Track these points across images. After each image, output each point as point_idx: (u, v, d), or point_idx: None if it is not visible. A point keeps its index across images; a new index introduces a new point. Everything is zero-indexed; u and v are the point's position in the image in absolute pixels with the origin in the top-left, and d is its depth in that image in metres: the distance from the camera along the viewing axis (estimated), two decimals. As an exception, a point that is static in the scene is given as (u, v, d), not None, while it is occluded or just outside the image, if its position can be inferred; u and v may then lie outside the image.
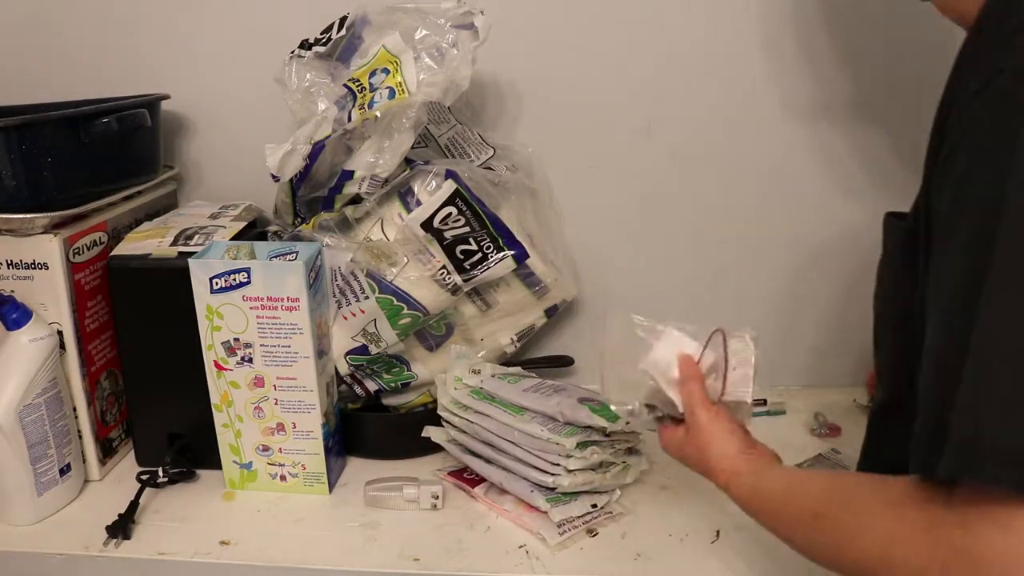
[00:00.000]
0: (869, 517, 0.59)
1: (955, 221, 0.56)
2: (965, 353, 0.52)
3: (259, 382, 0.98)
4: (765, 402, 1.16)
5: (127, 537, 0.94)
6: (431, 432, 1.04)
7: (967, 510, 0.51)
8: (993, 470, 0.49)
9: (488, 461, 0.98)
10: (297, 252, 0.95)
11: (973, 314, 0.52)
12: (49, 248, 0.97)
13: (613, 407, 0.89)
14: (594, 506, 0.94)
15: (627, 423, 0.93)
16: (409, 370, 1.10)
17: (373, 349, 1.05)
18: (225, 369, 0.98)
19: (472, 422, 0.98)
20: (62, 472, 0.99)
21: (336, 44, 1.06)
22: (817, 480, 0.71)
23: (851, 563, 0.61)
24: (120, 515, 0.95)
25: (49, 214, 0.96)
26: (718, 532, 0.92)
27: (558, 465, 0.92)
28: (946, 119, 0.60)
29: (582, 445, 0.92)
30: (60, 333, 0.99)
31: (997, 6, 0.59)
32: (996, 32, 0.57)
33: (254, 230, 1.11)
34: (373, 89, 1.00)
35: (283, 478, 1.02)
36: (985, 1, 0.60)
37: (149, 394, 1.05)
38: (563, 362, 1.22)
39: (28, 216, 0.95)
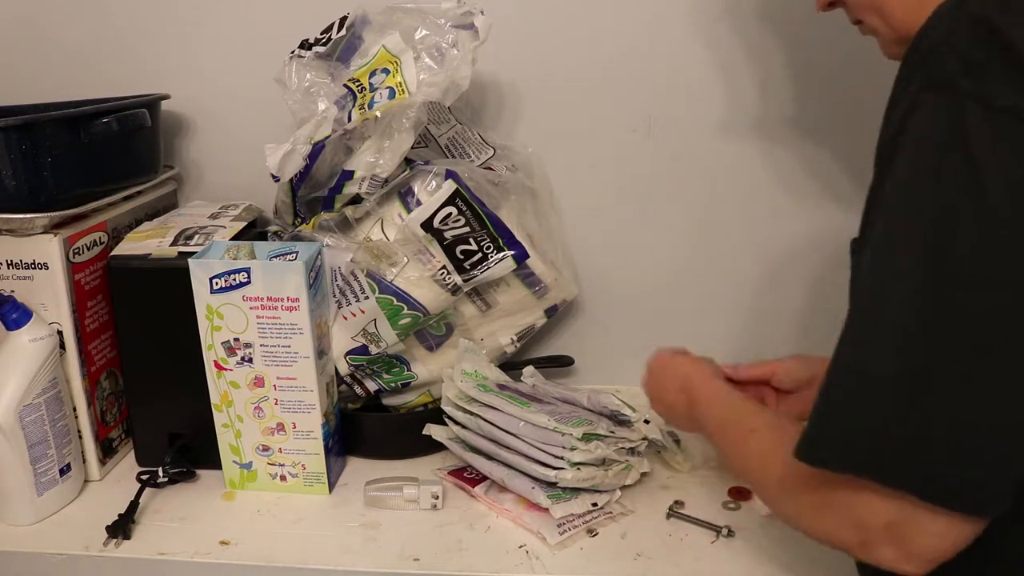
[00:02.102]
0: (783, 449, 0.68)
1: (864, 232, 0.66)
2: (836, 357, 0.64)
3: (259, 382, 0.98)
4: None
5: (127, 537, 0.94)
6: (432, 430, 1.04)
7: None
8: (822, 456, 0.63)
9: (490, 457, 0.98)
10: (297, 252, 0.95)
11: (852, 320, 0.63)
12: (49, 248, 0.97)
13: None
14: (594, 505, 0.94)
15: (646, 421, 0.98)
16: (409, 370, 1.10)
17: (373, 349, 1.05)
18: (225, 369, 0.98)
19: (477, 415, 0.98)
20: (62, 472, 0.99)
21: (336, 44, 1.06)
22: (765, 409, 0.85)
23: (759, 473, 0.75)
24: (120, 515, 0.95)
25: (49, 214, 0.96)
26: (718, 532, 0.92)
27: (561, 459, 0.92)
28: (880, 142, 0.67)
29: (587, 437, 0.93)
30: (60, 333, 0.99)
31: (920, 39, 0.64)
32: (915, 69, 0.64)
33: (254, 230, 1.11)
34: (373, 89, 1.00)
35: (283, 478, 1.02)
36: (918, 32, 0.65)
37: (149, 394, 1.05)
38: (563, 362, 1.22)
39: (28, 216, 0.95)
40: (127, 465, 1.09)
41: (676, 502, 0.96)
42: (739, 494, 0.98)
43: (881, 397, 0.60)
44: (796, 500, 0.69)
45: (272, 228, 1.11)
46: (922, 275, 0.59)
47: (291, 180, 1.06)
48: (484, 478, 1.00)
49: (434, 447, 1.06)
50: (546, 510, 0.92)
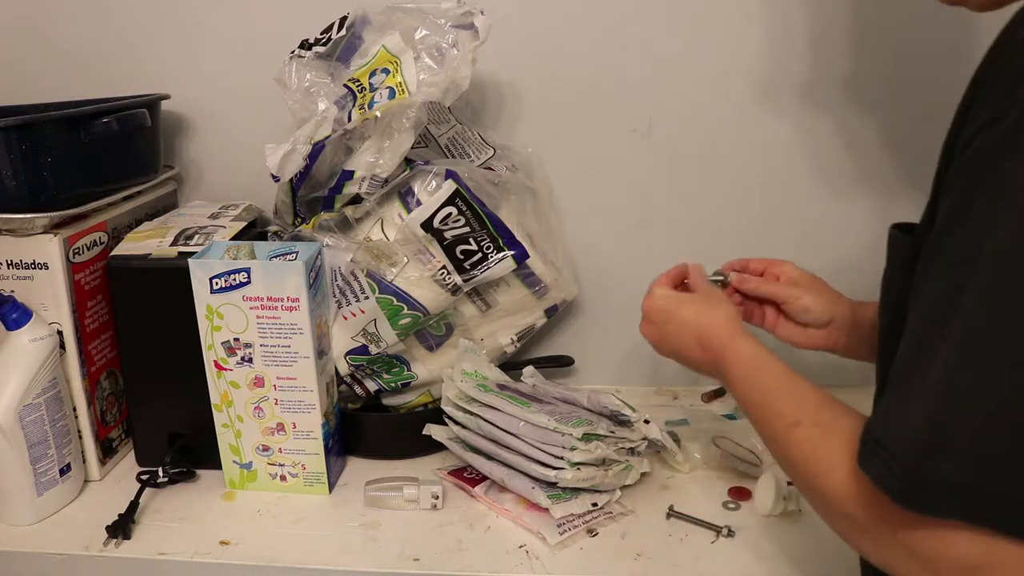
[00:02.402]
0: (837, 456, 0.62)
1: (942, 243, 0.58)
2: (923, 380, 0.55)
3: (259, 382, 0.98)
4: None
5: (127, 537, 0.94)
6: (432, 430, 1.04)
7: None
8: (931, 505, 0.54)
9: (490, 457, 0.98)
10: (297, 252, 0.95)
11: (934, 344, 0.55)
12: (49, 248, 0.97)
13: None
14: (594, 505, 0.94)
15: (646, 421, 0.97)
16: (409, 370, 1.10)
17: (373, 349, 1.05)
18: (225, 369, 0.98)
19: (477, 415, 0.98)
20: (62, 472, 0.99)
21: (336, 44, 1.06)
22: (814, 391, 0.71)
23: (805, 476, 0.66)
24: (120, 515, 0.95)
25: (49, 214, 0.96)
26: (718, 532, 0.92)
27: (561, 459, 0.92)
28: (954, 145, 0.60)
29: (587, 437, 0.93)
30: (60, 333, 0.99)
31: (1014, 33, 0.57)
32: (1006, 68, 0.56)
33: (254, 230, 1.11)
34: (373, 89, 1.00)
35: (283, 478, 1.02)
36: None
37: (149, 394, 1.05)
38: (563, 362, 1.22)
39: (28, 216, 0.95)
40: (127, 465, 1.09)
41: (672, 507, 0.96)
42: (739, 494, 0.99)
43: (1008, 436, 0.52)
44: (851, 524, 0.62)
45: (272, 228, 1.11)
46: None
47: (291, 180, 1.06)
48: (484, 478, 1.00)
49: (434, 447, 1.06)
50: (546, 510, 0.92)
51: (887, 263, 0.74)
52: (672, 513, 0.95)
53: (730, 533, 0.91)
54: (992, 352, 0.53)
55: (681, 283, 0.94)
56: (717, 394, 1.16)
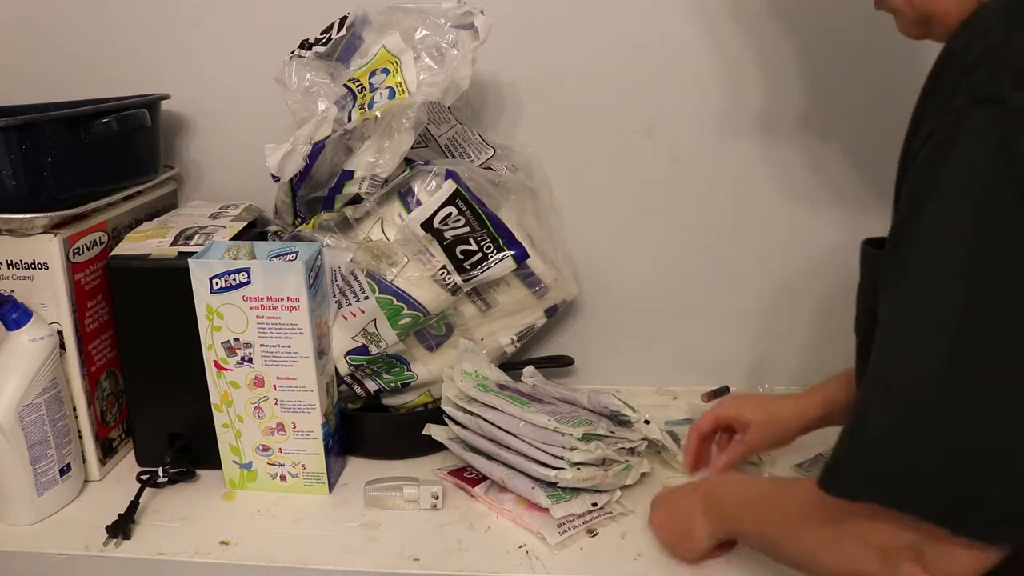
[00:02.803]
0: (794, 529, 0.71)
1: (889, 263, 0.62)
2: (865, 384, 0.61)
3: (259, 382, 0.98)
4: None
5: (127, 537, 0.94)
6: (432, 430, 1.04)
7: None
8: (841, 488, 0.62)
9: (490, 457, 0.98)
10: (297, 252, 0.95)
11: (879, 351, 0.61)
12: (49, 248, 0.97)
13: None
14: (594, 505, 0.94)
15: (646, 421, 0.98)
16: (409, 370, 1.10)
17: (373, 349, 1.05)
18: (225, 369, 0.98)
19: (477, 415, 0.98)
20: (62, 472, 0.99)
21: (336, 44, 1.06)
22: (741, 492, 0.83)
23: (777, 551, 0.75)
24: (120, 515, 0.95)
25: (49, 214, 0.96)
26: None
27: (561, 459, 0.92)
28: (906, 160, 0.63)
29: (587, 437, 0.93)
30: (60, 333, 0.99)
31: (960, 37, 0.61)
32: (952, 72, 0.60)
33: (254, 230, 1.11)
34: (373, 89, 1.00)
35: (283, 478, 1.02)
36: (955, 28, 0.62)
37: (149, 394, 1.05)
38: (563, 362, 1.22)
39: (28, 216, 0.95)
40: (127, 465, 1.09)
41: None
42: None
43: (917, 425, 0.58)
44: (813, 535, 0.68)
45: (272, 228, 1.11)
46: (962, 301, 0.57)
47: (291, 180, 1.06)
48: (484, 478, 1.00)
49: (434, 447, 1.06)
50: (546, 510, 0.92)
51: (860, 278, 0.75)
52: None
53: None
54: (907, 345, 0.58)
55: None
56: (717, 394, 1.16)
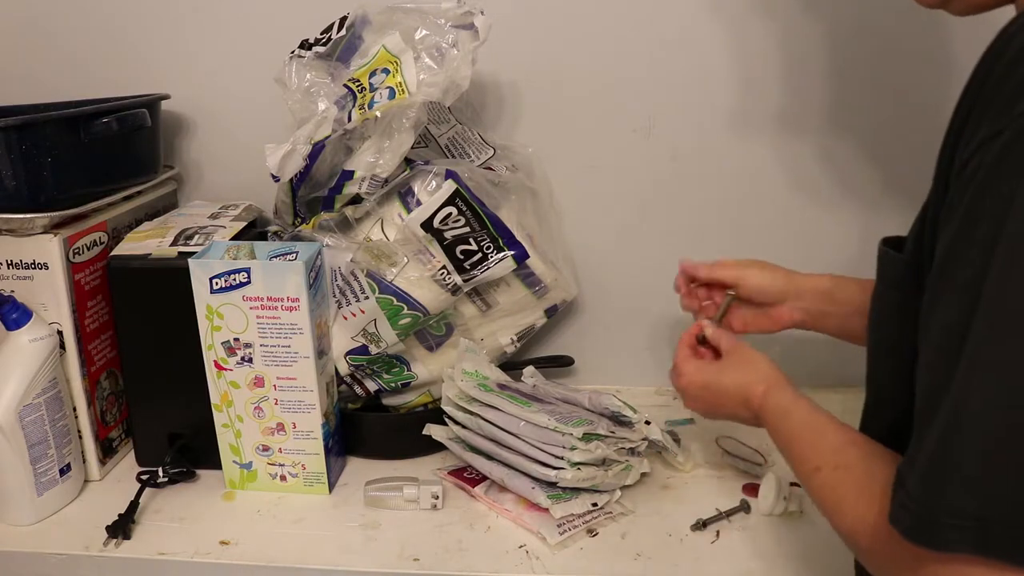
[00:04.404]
0: (849, 497, 0.65)
1: (947, 270, 0.56)
2: (934, 410, 0.55)
3: (259, 382, 0.98)
4: None
5: (127, 537, 0.94)
6: (432, 430, 1.04)
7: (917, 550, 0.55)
8: (940, 538, 0.54)
9: (490, 457, 0.98)
10: (297, 252, 0.95)
11: (949, 375, 0.54)
12: (49, 248, 0.97)
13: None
14: (594, 505, 0.94)
15: (647, 422, 0.98)
16: (409, 370, 1.10)
17: (373, 349, 1.05)
18: (225, 369, 0.98)
19: (477, 414, 0.98)
20: (62, 472, 0.99)
21: (336, 44, 1.06)
22: (834, 434, 0.73)
23: (829, 516, 0.68)
24: (120, 515, 0.95)
25: (49, 214, 0.96)
26: (718, 532, 0.92)
27: (561, 459, 0.92)
28: (950, 162, 0.59)
29: (587, 437, 0.93)
30: (60, 333, 0.99)
31: (1006, 45, 0.56)
32: (1001, 85, 0.55)
33: (254, 230, 1.11)
34: (373, 89, 1.00)
35: (283, 478, 1.02)
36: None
37: (149, 394, 1.05)
38: (563, 362, 1.22)
39: (28, 216, 0.95)
40: (127, 465, 1.09)
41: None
42: (752, 491, 0.98)
43: (1015, 465, 0.51)
44: (873, 561, 0.63)
45: (272, 228, 1.11)
46: None
47: (291, 180, 1.06)
48: (484, 478, 1.00)
49: (434, 447, 1.06)
50: (546, 510, 0.92)
51: (877, 281, 0.72)
52: (699, 525, 0.93)
53: (730, 533, 0.91)
54: (1000, 376, 0.51)
55: (696, 341, 0.95)
56: None
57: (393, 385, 1.10)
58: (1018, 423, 0.51)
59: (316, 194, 1.06)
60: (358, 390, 1.10)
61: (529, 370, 1.10)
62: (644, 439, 0.99)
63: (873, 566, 0.64)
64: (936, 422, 0.54)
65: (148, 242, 1.02)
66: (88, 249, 1.02)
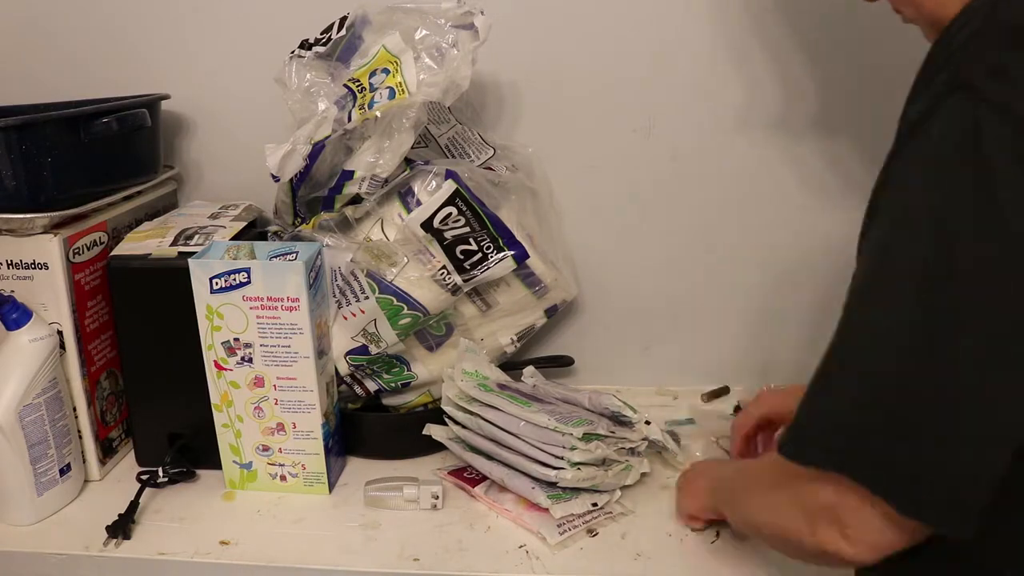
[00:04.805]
0: (749, 492, 0.77)
1: (868, 234, 0.65)
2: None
3: (259, 382, 0.98)
4: None
5: (127, 537, 0.94)
6: (432, 430, 1.04)
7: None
8: (809, 454, 0.65)
9: (490, 457, 0.98)
10: (297, 252, 0.95)
11: (847, 322, 0.64)
12: (49, 248, 0.97)
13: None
14: (594, 505, 0.94)
15: (647, 422, 0.98)
16: (409, 370, 1.10)
17: (373, 349, 1.05)
18: (225, 369, 0.98)
19: (477, 414, 0.98)
20: (62, 472, 0.99)
21: (336, 44, 1.06)
22: (734, 468, 0.88)
23: (758, 531, 0.77)
24: (120, 515, 0.95)
25: (49, 214, 0.96)
26: (718, 532, 0.92)
27: (561, 459, 0.92)
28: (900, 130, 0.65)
29: (587, 437, 0.93)
30: (60, 333, 0.99)
31: (958, 18, 0.63)
32: (941, 54, 0.62)
33: (254, 230, 1.11)
34: (373, 89, 1.00)
35: (283, 478, 1.02)
36: (949, 22, 0.64)
37: (149, 394, 1.05)
38: (563, 362, 1.22)
39: (28, 216, 0.95)
40: (127, 465, 1.09)
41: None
42: None
43: (866, 399, 0.61)
44: (760, 495, 0.74)
45: (272, 228, 1.11)
46: (917, 285, 0.59)
47: (291, 180, 1.06)
48: (484, 478, 1.00)
49: (434, 447, 1.06)
50: (546, 510, 0.92)
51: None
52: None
53: (730, 533, 0.91)
54: (867, 320, 0.62)
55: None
56: (717, 394, 1.16)
57: (393, 385, 1.10)
58: (867, 369, 0.61)
59: (316, 194, 1.06)
60: (358, 390, 1.10)
61: (529, 370, 1.10)
62: (644, 439, 0.99)
63: (752, 508, 0.76)
64: (822, 360, 0.64)
65: (148, 242, 1.02)
66: (88, 249, 1.02)
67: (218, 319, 0.96)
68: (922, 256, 0.58)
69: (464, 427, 1.01)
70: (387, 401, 1.13)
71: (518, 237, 1.06)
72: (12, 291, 0.98)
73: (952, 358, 0.57)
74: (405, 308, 1.03)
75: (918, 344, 0.58)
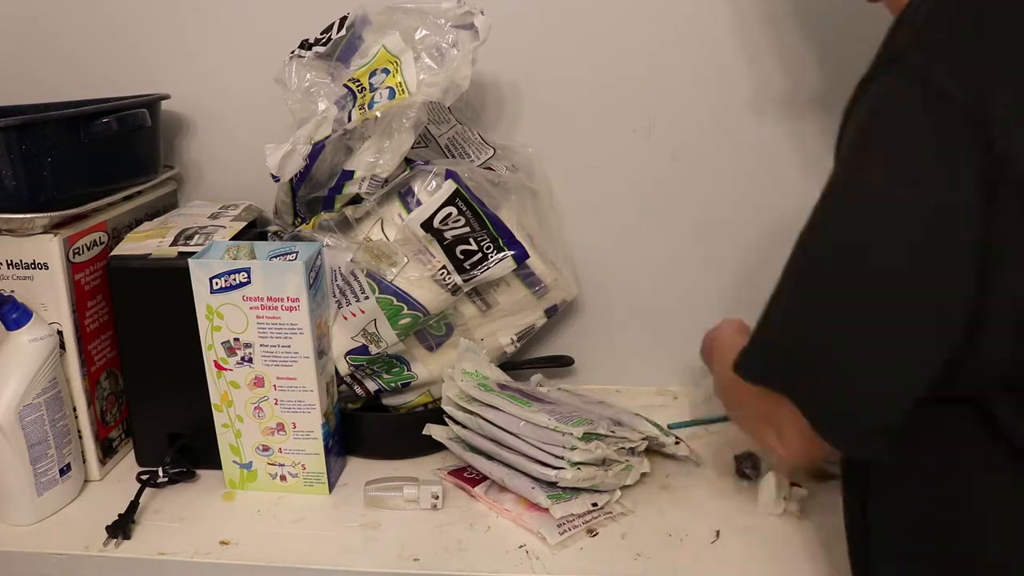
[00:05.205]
0: (727, 392, 0.85)
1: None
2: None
3: (259, 382, 0.98)
4: None
5: (127, 537, 0.94)
6: (432, 430, 1.04)
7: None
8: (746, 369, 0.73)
9: (490, 457, 0.98)
10: (297, 252, 0.95)
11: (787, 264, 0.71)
12: (49, 248, 0.97)
13: None
14: (594, 505, 0.94)
15: (676, 441, 1.02)
16: (409, 370, 1.10)
17: (373, 349, 1.05)
18: (225, 369, 0.98)
19: (477, 414, 0.98)
20: (62, 472, 0.99)
21: (336, 44, 1.06)
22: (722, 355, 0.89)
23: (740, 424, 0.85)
24: (120, 515, 0.95)
25: (49, 214, 0.96)
26: (718, 532, 0.92)
27: (561, 459, 0.92)
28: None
29: (587, 437, 0.93)
30: (60, 333, 0.99)
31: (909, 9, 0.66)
32: (890, 30, 0.67)
33: (254, 230, 1.11)
34: (373, 89, 1.00)
35: (283, 478, 1.02)
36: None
37: (149, 394, 1.05)
38: (563, 362, 1.22)
39: (28, 216, 0.95)
40: (127, 465, 1.09)
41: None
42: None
43: (789, 327, 0.69)
44: (732, 396, 0.84)
45: (272, 228, 1.11)
46: (821, 233, 0.68)
47: (291, 180, 1.06)
48: (484, 478, 1.00)
49: (434, 447, 1.06)
50: (546, 510, 0.92)
51: None
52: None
53: (730, 533, 0.91)
54: (793, 262, 0.69)
55: None
56: None
57: (393, 385, 1.10)
58: (803, 293, 0.68)
59: (316, 194, 1.06)
60: (358, 390, 1.10)
61: (537, 378, 1.11)
62: (644, 438, 0.99)
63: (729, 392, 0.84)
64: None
65: (148, 242, 1.02)
66: (88, 249, 1.02)
67: (218, 319, 0.96)
68: (832, 215, 0.67)
69: (464, 427, 1.01)
70: (387, 401, 1.13)
71: (518, 237, 1.06)
72: (12, 291, 0.98)
73: (848, 308, 0.65)
74: (405, 308, 1.03)
75: (825, 292, 0.66)
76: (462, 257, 1.05)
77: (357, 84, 1.02)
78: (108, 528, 0.94)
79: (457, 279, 1.05)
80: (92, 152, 1.02)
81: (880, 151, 0.63)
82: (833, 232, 0.67)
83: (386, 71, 1.01)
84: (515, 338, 1.14)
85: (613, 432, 0.96)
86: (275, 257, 0.95)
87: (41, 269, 0.97)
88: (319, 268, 0.99)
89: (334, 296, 1.04)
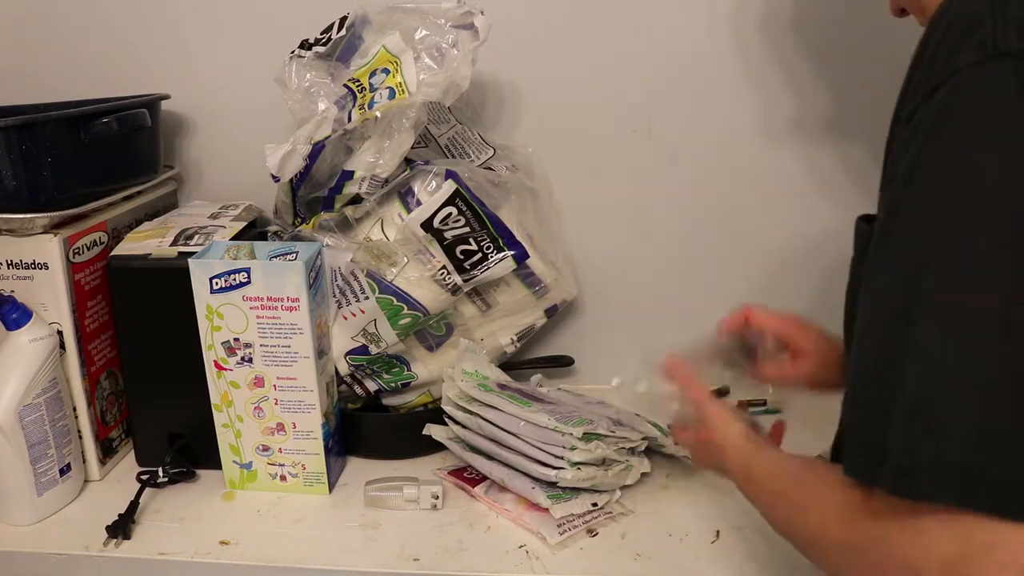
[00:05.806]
0: (811, 500, 0.64)
1: (890, 228, 0.57)
2: (901, 366, 0.54)
3: (259, 382, 0.98)
4: (764, 402, 1.16)
5: (127, 537, 0.94)
6: (432, 430, 1.04)
7: (885, 508, 0.55)
8: (928, 489, 0.52)
9: (490, 457, 0.98)
10: (297, 252, 0.95)
11: (907, 329, 0.54)
12: (49, 248, 0.97)
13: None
14: (594, 505, 0.94)
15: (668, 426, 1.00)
16: (409, 370, 1.10)
17: (373, 349, 1.05)
18: (225, 369, 0.98)
19: (477, 414, 0.98)
20: (62, 472, 0.99)
21: (336, 44, 1.06)
22: (787, 461, 0.73)
23: (798, 538, 0.66)
24: (120, 515, 0.95)
25: (49, 214, 0.96)
26: (718, 532, 0.92)
27: (561, 459, 0.92)
28: (899, 117, 0.61)
29: (587, 437, 0.93)
30: (60, 333, 0.99)
31: (942, 15, 0.59)
32: (951, 31, 0.57)
33: (254, 230, 1.11)
34: (373, 89, 1.00)
35: (283, 478, 1.02)
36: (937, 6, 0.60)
37: (149, 394, 1.05)
38: (563, 362, 1.22)
39: (28, 216, 0.95)
40: (127, 465, 1.09)
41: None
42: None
43: (997, 414, 0.51)
44: (850, 546, 0.59)
45: (272, 228, 1.12)
46: (1011, 268, 0.51)
47: (291, 180, 1.06)
48: (484, 478, 1.00)
49: (434, 447, 1.06)
50: (546, 510, 0.92)
51: (853, 252, 0.75)
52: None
53: (730, 533, 0.91)
54: (967, 326, 0.52)
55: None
56: (718, 394, 1.16)
57: (393, 385, 1.10)
58: (991, 372, 0.51)
59: (316, 194, 1.06)
60: (358, 390, 1.10)
61: (537, 378, 1.11)
62: (644, 438, 0.99)
63: (846, 553, 0.59)
64: (901, 380, 0.53)
65: (148, 242, 1.02)
66: (88, 249, 1.02)
67: (218, 319, 0.96)
68: (1006, 240, 0.52)
69: (464, 427, 1.01)
70: (387, 401, 1.13)
71: (518, 237, 1.06)
72: (12, 291, 0.98)
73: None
74: (405, 308, 1.03)
75: None
76: (462, 257, 1.05)
77: (357, 84, 1.02)
78: (108, 528, 0.94)
79: (457, 279, 1.05)
80: (92, 152, 1.02)
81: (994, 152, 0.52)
82: (998, 281, 0.52)
83: (386, 71, 1.01)
84: (515, 338, 1.14)
85: (613, 432, 0.96)
86: (275, 257, 0.95)
87: (41, 269, 0.97)
88: (319, 268, 0.99)
89: (334, 296, 1.04)
